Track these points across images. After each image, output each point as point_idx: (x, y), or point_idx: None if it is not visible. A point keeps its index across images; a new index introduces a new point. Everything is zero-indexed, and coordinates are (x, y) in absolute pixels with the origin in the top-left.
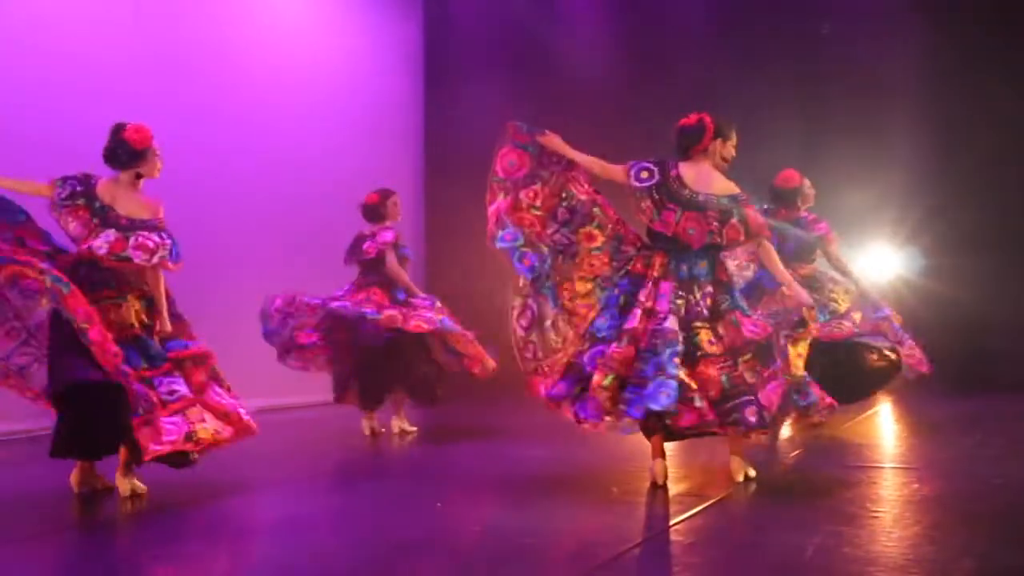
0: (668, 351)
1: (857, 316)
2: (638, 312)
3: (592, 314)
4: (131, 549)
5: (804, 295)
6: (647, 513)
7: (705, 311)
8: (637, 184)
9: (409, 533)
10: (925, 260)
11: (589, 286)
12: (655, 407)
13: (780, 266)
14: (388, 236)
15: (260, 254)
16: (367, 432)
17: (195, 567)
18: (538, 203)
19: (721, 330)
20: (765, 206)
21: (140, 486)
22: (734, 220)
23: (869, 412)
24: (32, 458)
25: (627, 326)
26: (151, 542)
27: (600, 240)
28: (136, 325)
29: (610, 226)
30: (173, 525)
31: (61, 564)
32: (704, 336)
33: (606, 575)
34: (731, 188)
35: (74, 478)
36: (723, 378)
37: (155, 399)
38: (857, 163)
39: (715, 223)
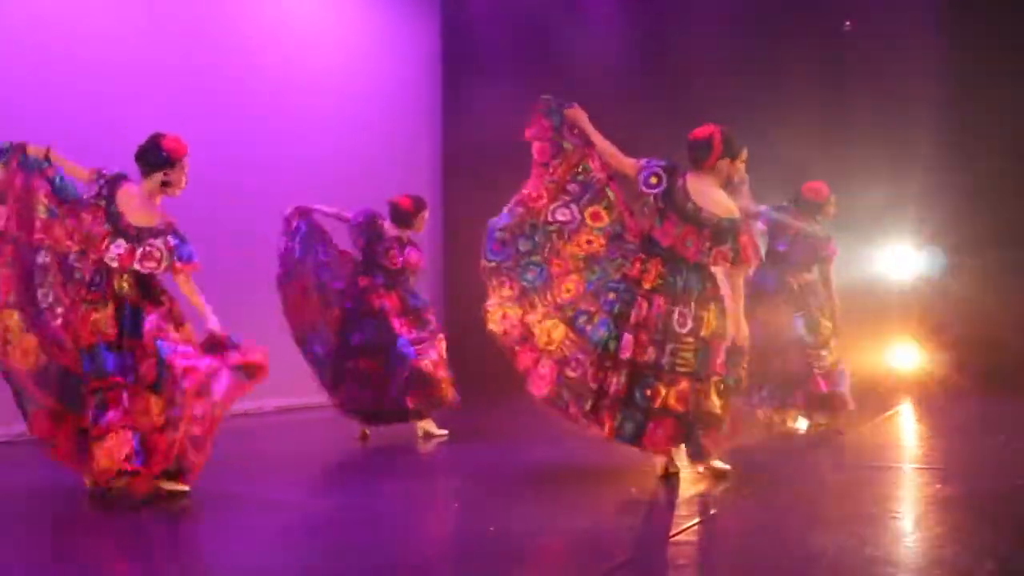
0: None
1: (833, 347)
2: (630, 339)
3: (576, 288)
4: (141, 550)
5: (743, 332)
6: (665, 514)
7: (690, 323)
8: (645, 189)
9: (424, 533)
10: (947, 260)
11: (579, 263)
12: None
13: (739, 299)
14: (417, 258)
15: (275, 255)
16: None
17: (208, 569)
18: (556, 176)
19: (700, 347)
20: (784, 203)
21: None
22: (727, 246)
23: (889, 412)
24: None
25: (622, 356)
26: (162, 545)
27: (605, 221)
28: (111, 332)
29: (617, 210)
30: (186, 527)
31: (75, 562)
32: (687, 352)
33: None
34: (732, 210)
35: (87, 476)
36: (693, 398)
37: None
38: (878, 162)
39: (708, 242)
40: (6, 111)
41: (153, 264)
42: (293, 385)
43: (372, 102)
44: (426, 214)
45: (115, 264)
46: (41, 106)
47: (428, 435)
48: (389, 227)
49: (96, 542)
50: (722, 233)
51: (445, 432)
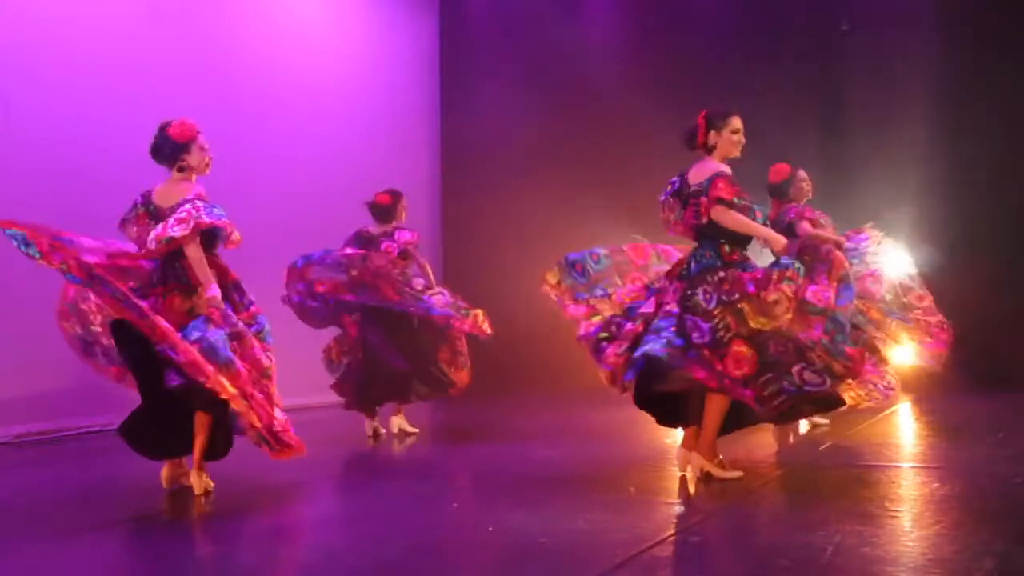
0: (667, 323)
1: None
2: (653, 301)
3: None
4: (135, 553)
5: (779, 239)
6: (664, 513)
7: (722, 296)
8: (662, 197)
9: (424, 534)
10: (944, 258)
11: None
12: (646, 351)
13: (743, 221)
14: (409, 236)
15: (275, 254)
16: (369, 434)
17: (203, 569)
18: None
19: (746, 308)
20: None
21: (210, 483)
22: (703, 196)
23: (887, 411)
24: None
25: (642, 310)
26: (157, 545)
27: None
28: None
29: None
30: (183, 527)
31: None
32: (729, 319)
33: None
34: (712, 170)
35: (164, 474)
36: (758, 354)
37: None
38: (875, 161)
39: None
40: (5, 110)
41: (183, 227)
42: (293, 385)
43: (372, 101)
44: (406, 201)
45: (153, 244)
46: (41, 106)
47: (403, 432)
48: (374, 228)
49: (86, 543)
50: (704, 192)
51: (416, 430)
